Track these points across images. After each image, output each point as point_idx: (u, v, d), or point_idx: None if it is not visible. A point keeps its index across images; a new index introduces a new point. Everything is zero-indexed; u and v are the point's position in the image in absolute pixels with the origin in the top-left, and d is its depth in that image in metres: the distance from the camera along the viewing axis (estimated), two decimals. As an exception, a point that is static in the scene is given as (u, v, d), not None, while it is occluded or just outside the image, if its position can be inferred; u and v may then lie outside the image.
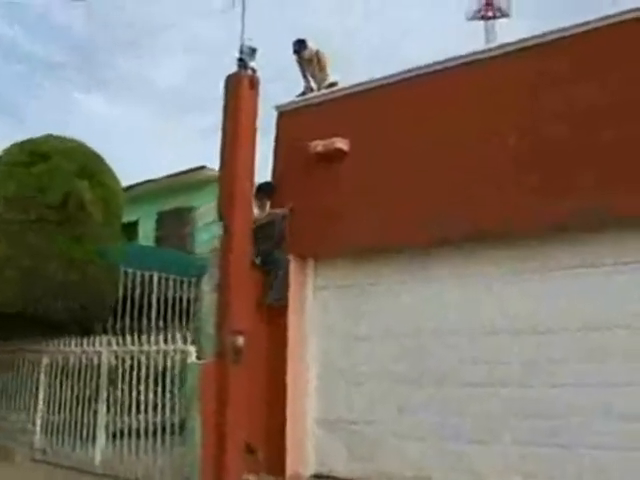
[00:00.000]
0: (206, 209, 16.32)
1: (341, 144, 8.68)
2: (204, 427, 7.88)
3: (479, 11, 41.13)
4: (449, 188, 7.99)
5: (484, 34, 39.03)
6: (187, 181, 17.65)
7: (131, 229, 16.55)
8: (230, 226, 8.48)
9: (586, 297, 7.17)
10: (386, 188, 8.43)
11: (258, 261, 8.81)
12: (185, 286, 12.72)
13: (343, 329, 8.71)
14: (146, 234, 17.67)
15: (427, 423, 7.80)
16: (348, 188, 8.74)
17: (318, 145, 8.76)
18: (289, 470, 8.33)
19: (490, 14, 40.85)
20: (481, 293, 7.85)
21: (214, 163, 9.07)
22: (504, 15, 40.82)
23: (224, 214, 8.62)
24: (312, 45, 9.69)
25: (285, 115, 9.43)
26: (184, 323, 12.17)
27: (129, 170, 13.10)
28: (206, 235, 15.81)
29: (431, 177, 8.16)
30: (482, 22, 40.27)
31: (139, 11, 69.39)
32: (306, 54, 9.63)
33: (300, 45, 9.65)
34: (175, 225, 17.68)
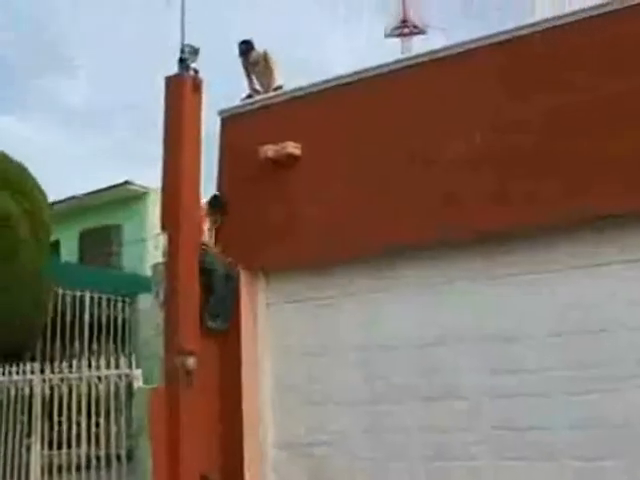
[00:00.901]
0: (134, 225, 15.60)
1: (293, 149, 8.22)
2: (155, 457, 7.23)
3: (396, 28, 41.62)
4: (398, 196, 7.66)
5: (401, 51, 39.38)
6: (111, 198, 16.87)
7: (52, 249, 15.60)
8: (176, 238, 7.88)
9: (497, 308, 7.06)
10: (338, 196, 8.00)
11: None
12: (119, 305, 11.94)
13: (296, 346, 8.17)
14: (69, 253, 16.72)
15: (388, 443, 7.37)
16: (299, 196, 8.25)
17: (269, 150, 8.25)
18: (249, 498, 7.76)
19: (407, 31, 41.36)
20: (435, 303, 7.50)
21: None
22: (420, 32, 41.41)
23: (168, 225, 8.01)
24: (258, 47, 9.19)
25: (230, 120, 8.86)
26: (120, 345, 11.38)
27: (50, 189, 12.23)
28: (135, 251, 15.06)
29: (380, 184, 7.80)
30: (399, 40, 40.87)
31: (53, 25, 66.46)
32: (253, 56, 9.10)
33: (247, 46, 9.11)
34: (99, 243, 16.83)
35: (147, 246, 14.44)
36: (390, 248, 7.59)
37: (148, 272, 12.80)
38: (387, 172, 7.78)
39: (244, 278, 8.41)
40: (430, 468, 7.07)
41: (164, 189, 8.16)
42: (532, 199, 6.87)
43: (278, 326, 8.33)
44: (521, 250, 7.11)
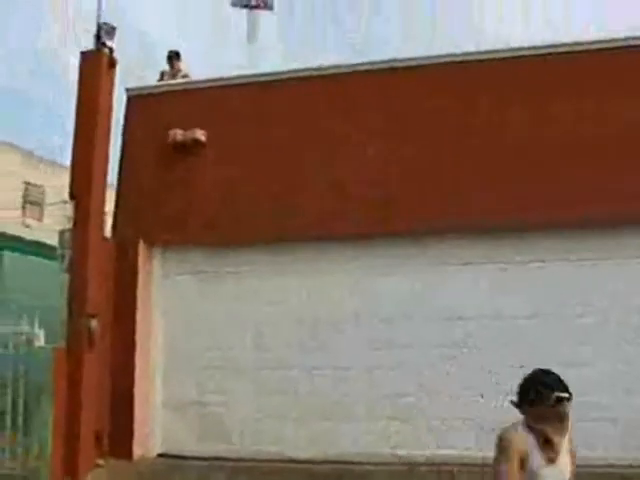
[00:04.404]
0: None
1: (200, 135, 8.89)
2: (56, 415, 7.66)
3: (245, -1, 41.80)
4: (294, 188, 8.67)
5: (247, 24, 39.70)
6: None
7: None
8: (86, 207, 8.29)
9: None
10: (238, 182, 8.81)
11: None
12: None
13: (191, 315, 8.94)
14: None
15: (282, 404, 8.36)
16: (201, 179, 8.97)
17: (177, 134, 8.87)
18: (137, 453, 8.44)
19: (254, 3, 41.60)
20: (326, 285, 8.61)
21: None
22: (268, 7, 41.80)
23: (77, 194, 8.39)
24: (184, 66, 10.02)
25: (136, 99, 9.33)
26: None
27: None
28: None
29: (278, 176, 8.76)
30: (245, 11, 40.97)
31: None
32: (175, 66, 9.93)
33: (178, 56, 10.03)
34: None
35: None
36: (286, 236, 8.56)
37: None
38: (284, 166, 8.75)
39: (142, 251, 9.00)
40: (316, 428, 8.16)
41: (75, 159, 8.47)
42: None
43: (173, 296, 9.03)
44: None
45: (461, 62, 8.46)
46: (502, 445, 3.49)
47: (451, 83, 8.37)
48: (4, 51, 37.91)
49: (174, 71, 9.92)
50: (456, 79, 8.36)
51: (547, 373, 3.53)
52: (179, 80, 9.62)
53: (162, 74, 9.92)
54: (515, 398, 3.53)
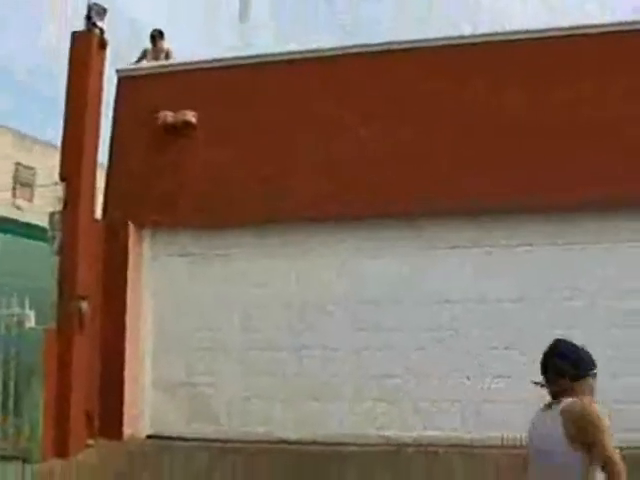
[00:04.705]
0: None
1: (191, 117, 8.86)
2: (46, 396, 7.73)
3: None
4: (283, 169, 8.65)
5: (239, 3, 39.38)
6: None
7: None
8: (76, 188, 8.28)
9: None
10: (228, 164, 8.79)
11: None
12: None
13: (180, 296, 8.96)
14: None
15: (270, 384, 8.39)
16: (191, 161, 8.95)
17: (167, 116, 8.84)
18: (126, 433, 8.48)
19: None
20: (314, 267, 8.61)
21: None
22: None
23: (68, 176, 8.38)
24: (167, 45, 9.98)
25: (127, 80, 9.29)
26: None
27: None
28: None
29: (267, 157, 8.73)
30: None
31: None
32: (158, 44, 9.89)
33: (161, 35, 9.96)
34: None
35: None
36: (275, 218, 8.56)
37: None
38: (274, 145, 8.72)
39: (132, 233, 8.99)
40: (304, 409, 8.20)
41: (65, 140, 8.45)
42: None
43: (163, 277, 9.04)
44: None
45: (457, 45, 8.43)
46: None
47: (447, 66, 8.35)
48: (4, 51, 37.77)
49: (156, 49, 9.85)
50: (452, 62, 8.34)
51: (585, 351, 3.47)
52: (166, 62, 9.57)
53: (144, 52, 9.91)
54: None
